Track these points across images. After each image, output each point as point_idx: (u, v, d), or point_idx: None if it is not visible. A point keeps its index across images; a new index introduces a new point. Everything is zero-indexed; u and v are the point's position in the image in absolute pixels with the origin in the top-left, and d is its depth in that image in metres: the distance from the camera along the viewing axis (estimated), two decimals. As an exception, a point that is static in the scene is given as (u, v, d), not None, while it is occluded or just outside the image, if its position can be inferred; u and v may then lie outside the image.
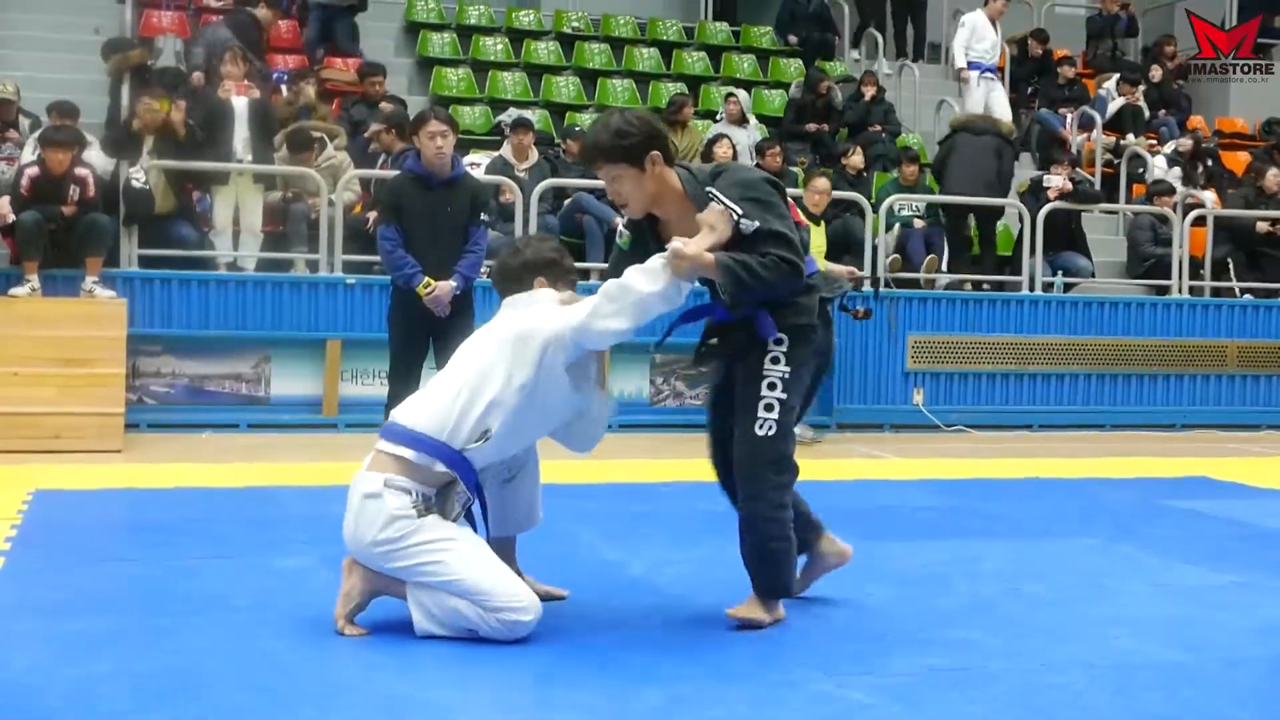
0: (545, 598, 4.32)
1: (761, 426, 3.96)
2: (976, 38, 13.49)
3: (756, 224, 3.84)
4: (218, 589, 4.51)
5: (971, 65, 13.40)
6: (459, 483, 3.95)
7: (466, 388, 3.96)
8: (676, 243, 3.82)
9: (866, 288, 10.14)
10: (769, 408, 3.96)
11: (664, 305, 3.89)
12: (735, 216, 3.84)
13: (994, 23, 13.64)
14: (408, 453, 3.93)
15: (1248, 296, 11.82)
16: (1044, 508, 6.83)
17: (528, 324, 4.00)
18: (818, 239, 9.45)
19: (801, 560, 4.39)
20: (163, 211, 9.65)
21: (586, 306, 3.93)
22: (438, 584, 3.85)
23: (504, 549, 4.35)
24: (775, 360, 3.97)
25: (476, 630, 3.84)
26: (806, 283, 3.99)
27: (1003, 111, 13.12)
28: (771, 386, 3.97)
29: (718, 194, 3.87)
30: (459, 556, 3.86)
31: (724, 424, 4.19)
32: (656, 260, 3.86)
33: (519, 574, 4.33)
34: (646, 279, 3.85)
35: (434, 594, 3.87)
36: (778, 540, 4.03)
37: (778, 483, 3.98)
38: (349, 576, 4.00)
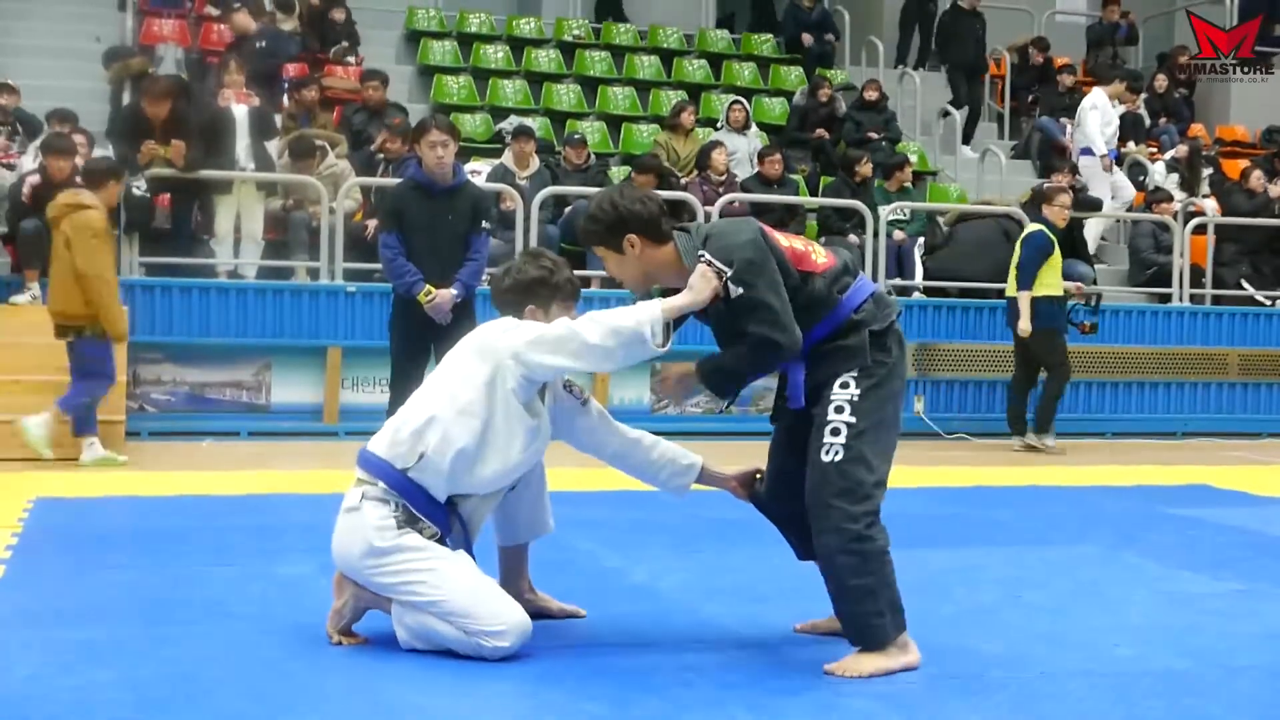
0: (561, 615, 4.30)
1: (827, 452, 3.70)
2: (1105, 120, 13.37)
3: (741, 290, 3.64)
4: (218, 597, 4.51)
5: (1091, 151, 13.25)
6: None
7: (413, 402, 3.91)
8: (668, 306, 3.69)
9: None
10: (835, 431, 3.70)
11: (610, 363, 3.79)
12: (723, 276, 3.65)
13: (1113, 103, 13.55)
14: (360, 472, 3.90)
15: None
16: (1045, 515, 6.83)
17: (488, 341, 3.86)
18: (1059, 252, 9.69)
19: None
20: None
21: (533, 332, 3.81)
22: (421, 603, 3.79)
23: (514, 559, 4.31)
24: (845, 385, 3.74)
25: (455, 650, 3.78)
26: (851, 319, 3.76)
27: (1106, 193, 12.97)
28: (839, 410, 3.71)
29: (708, 255, 3.69)
30: (442, 576, 3.78)
31: (782, 460, 4.03)
32: (635, 317, 3.67)
33: (530, 588, 4.30)
34: (599, 331, 3.69)
35: (415, 613, 3.81)
36: (856, 577, 3.67)
37: (851, 513, 3.66)
38: (339, 593, 3.96)
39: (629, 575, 5.05)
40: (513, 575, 4.28)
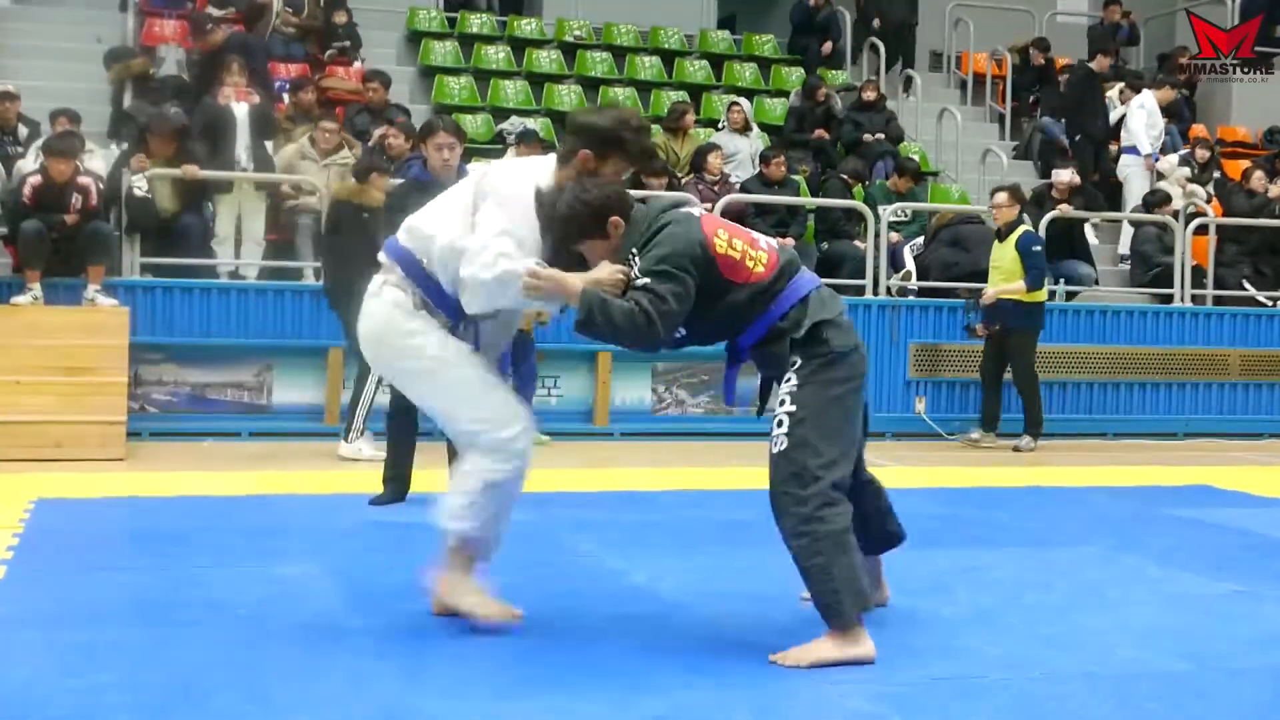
0: (503, 616, 4.21)
1: (774, 444, 3.87)
2: (1150, 123, 13.30)
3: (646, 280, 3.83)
4: (220, 598, 4.51)
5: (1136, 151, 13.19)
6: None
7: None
8: (543, 270, 3.87)
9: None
10: (779, 424, 3.88)
11: (495, 299, 3.97)
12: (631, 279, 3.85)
13: (1161, 108, 13.48)
14: (383, 258, 4.19)
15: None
16: (1046, 517, 6.83)
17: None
18: (997, 253, 9.79)
19: None
20: (167, 211, 9.68)
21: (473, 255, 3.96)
22: (428, 390, 4.10)
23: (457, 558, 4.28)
24: (786, 380, 3.92)
25: (482, 478, 4.02)
26: (775, 327, 3.92)
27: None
28: (781, 403, 3.90)
29: (636, 264, 3.86)
30: (456, 363, 4.04)
31: None
32: (518, 266, 3.88)
33: (475, 587, 4.25)
34: (487, 271, 3.91)
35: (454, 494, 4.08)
36: (810, 558, 3.80)
37: (799, 497, 3.80)
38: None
39: (630, 576, 5.05)
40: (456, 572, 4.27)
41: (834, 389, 3.89)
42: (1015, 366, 9.85)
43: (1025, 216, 10.05)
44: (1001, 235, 9.78)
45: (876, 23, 15.43)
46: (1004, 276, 9.68)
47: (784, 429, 3.85)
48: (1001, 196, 9.86)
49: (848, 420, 3.94)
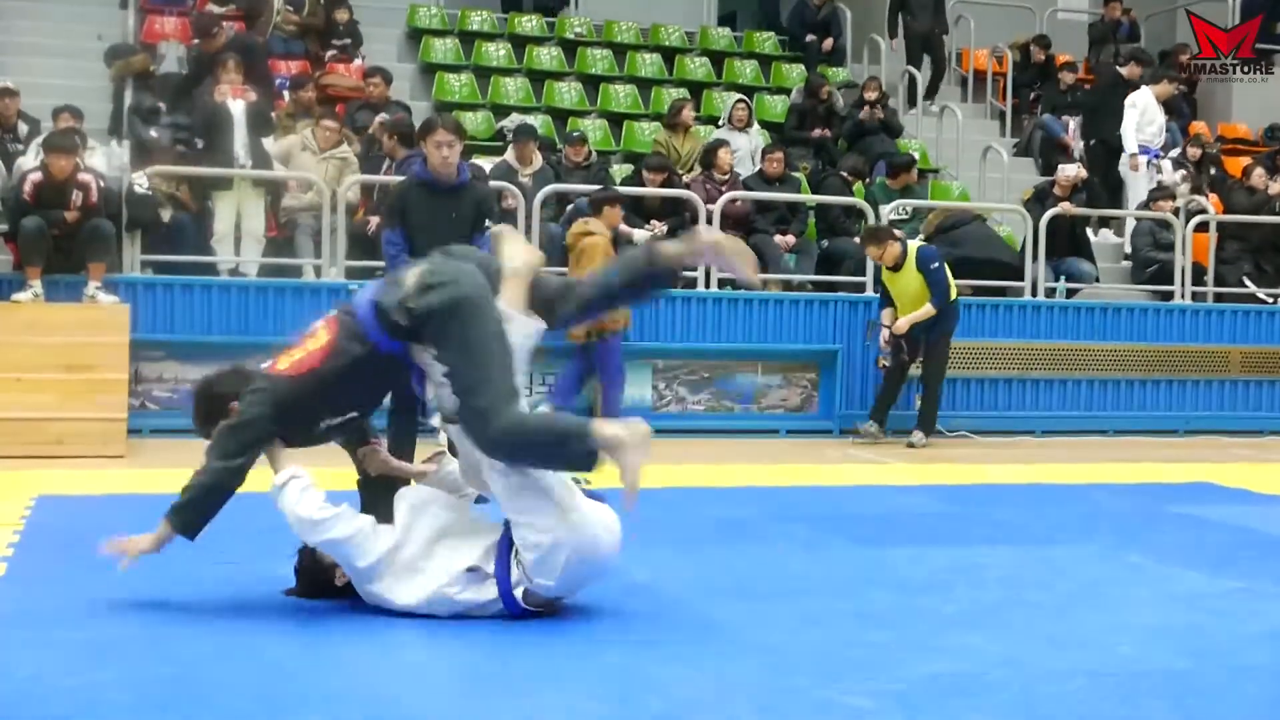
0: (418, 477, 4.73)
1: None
2: (1145, 119, 13.27)
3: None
4: (220, 596, 4.51)
5: (1141, 150, 13.19)
6: None
7: None
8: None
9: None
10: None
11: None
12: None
13: (1160, 104, 13.49)
14: None
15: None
16: (1047, 514, 6.82)
17: None
18: (897, 285, 9.67)
19: None
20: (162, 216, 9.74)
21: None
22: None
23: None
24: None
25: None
26: (377, 344, 4.29)
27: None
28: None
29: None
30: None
31: None
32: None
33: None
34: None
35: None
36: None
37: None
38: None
39: (631, 574, 5.03)
40: None
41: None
42: (931, 363, 9.78)
43: (907, 240, 9.91)
44: (896, 267, 9.61)
45: (898, 41, 15.30)
46: (912, 304, 9.57)
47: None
48: (871, 250, 9.81)
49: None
